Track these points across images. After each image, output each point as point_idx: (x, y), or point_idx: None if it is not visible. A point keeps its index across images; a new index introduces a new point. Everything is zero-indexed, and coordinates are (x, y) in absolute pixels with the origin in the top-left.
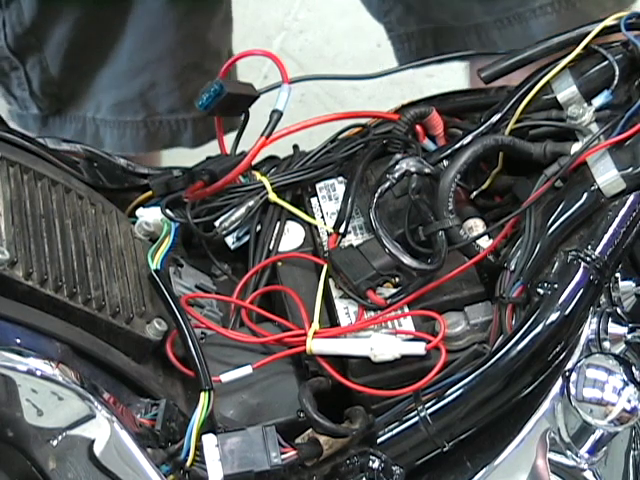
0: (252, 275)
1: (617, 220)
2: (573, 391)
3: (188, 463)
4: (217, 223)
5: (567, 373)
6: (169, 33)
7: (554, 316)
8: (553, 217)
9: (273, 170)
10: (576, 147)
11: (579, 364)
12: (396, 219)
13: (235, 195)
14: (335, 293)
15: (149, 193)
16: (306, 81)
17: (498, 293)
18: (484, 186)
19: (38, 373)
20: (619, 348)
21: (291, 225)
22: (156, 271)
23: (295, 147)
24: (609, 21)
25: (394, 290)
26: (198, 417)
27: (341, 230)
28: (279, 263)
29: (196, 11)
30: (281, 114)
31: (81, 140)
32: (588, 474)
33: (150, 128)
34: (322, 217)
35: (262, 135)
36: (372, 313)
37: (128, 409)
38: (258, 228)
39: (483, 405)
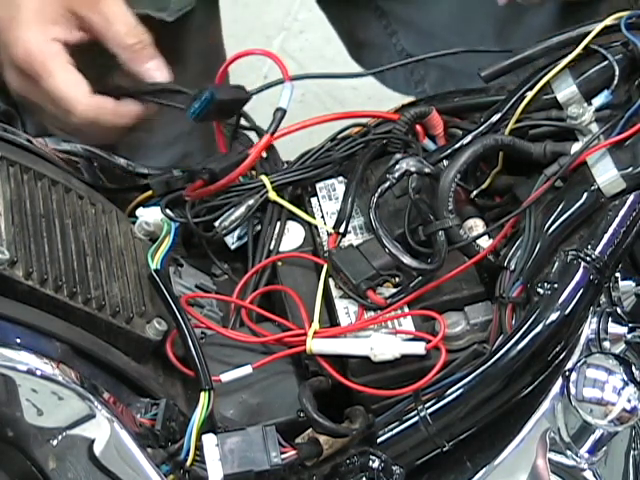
0: (252, 275)
1: (617, 220)
2: (573, 391)
3: (188, 463)
4: (217, 223)
5: (567, 373)
6: None
7: (554, 316)
8: (553, 217)
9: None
10: (576, 147)
11: (579, 364)
12: (396, 219)
13: (235, 194)
14: (335, 293)
15: (149, 193)
16: (306, 80)
17: (498, 293)
18: (484, 185)
19: (38, 373)
20: (619, 348)
21: (291, 225)
22: (156, 271)
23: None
24: (609, 21)
25: (394, 290)
26: (198, 417)
27: (341, 230)
28: (279, 263)
29: None
30: (285, 112)
31: None
32: (588, 474)
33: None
34: (322, 217)
35: (266, 132)
36: (372, 313)
37: (128, 409)
38: (258, 227)
39: (483, 405)
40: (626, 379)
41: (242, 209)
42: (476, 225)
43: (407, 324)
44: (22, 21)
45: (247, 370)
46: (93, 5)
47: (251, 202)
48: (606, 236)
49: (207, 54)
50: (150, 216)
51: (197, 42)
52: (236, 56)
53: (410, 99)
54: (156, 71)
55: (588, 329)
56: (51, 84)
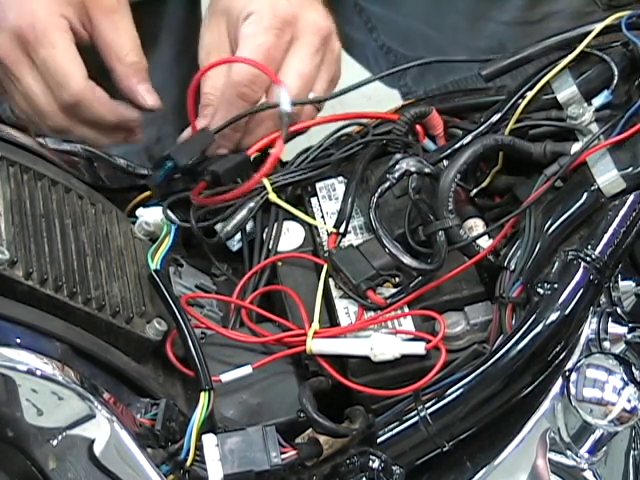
0: (252, 275)
1: (617, 220)
2: (573, 391)
3: (188, 463)
4: (219, 227)
5: (567, 373)
6: (175, 90)
7: (554, 316)
8: (553, 217)
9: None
10: (576, 147)
11: (579, 364)
12: (396, 219)
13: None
14: (335, 293)
15: (149, 193)
16: None
17: (498, 293)
18: (484, 185)
19: (38, 373)
20: (619, 348)
21: (291, 225)
22: (156, 271)
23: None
24: (609, 21)
25: (394, 290)
26: (198, 417)
27: (341, 230)
28: (279, 263)
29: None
30: (288, 113)
31: None
32: (588, 474)
33: None
34: (322, 217)
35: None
36: (372, 313)
37: (128, 409)
38: (258, 228)
39: (483, 405)
40: (626, 379)
41: (244, 212)
42: (476, 225)
43: (407, 324)
44: None
45: (247, 370)
46: (108, 12)
47: (252, 204)
48: (606, 236)
49: (183, 39)
50: (150, 216)
51: (172, 26)
52: (210, 66)
53: (410, 100)
54: (148, 94)
55: (588, 329)
56: (51, 54)
